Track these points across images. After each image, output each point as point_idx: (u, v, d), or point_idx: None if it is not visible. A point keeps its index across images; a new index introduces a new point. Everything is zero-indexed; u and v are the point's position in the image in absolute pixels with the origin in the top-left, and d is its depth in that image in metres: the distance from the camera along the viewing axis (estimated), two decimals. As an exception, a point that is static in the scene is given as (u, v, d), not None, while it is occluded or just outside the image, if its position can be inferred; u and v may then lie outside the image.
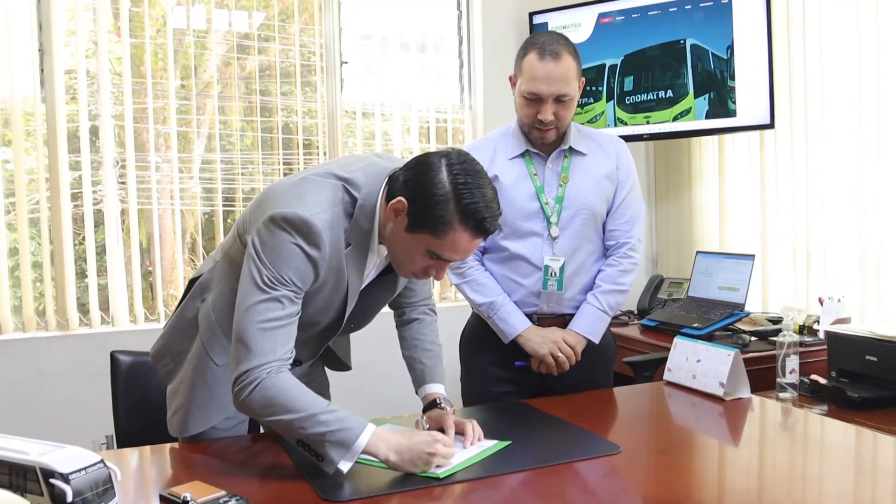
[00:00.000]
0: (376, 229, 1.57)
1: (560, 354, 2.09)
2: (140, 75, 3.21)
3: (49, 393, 2.95)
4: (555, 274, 2.12)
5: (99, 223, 3.17)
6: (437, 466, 1.49)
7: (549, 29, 3.56)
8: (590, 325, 2.15)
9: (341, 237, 1.55)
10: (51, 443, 1.23)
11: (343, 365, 1.94)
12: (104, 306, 3.15)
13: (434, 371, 1.83)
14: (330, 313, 1.65)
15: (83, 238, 3.12)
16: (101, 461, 1.21)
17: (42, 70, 3.01)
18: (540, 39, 2.03)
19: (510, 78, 2.11)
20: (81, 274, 3.13)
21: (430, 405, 1.77)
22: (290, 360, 1.50)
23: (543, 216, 2.13)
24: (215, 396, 1.66)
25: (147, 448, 1.74)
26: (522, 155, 2.15)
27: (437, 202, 1.46)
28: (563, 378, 2.13)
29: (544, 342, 2.11)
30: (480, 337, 2.21)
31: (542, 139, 2.09)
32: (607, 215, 2.19)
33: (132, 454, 1.75)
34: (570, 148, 2.14)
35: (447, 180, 1.46)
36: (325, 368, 1.97)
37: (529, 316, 2.16)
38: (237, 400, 1.47)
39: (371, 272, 1.69)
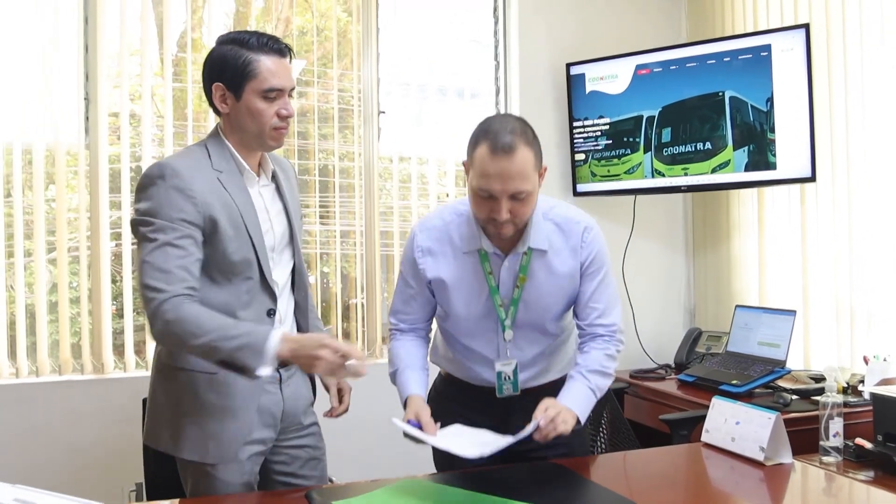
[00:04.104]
0: (229, 145, 1.83)
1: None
2: (182, 118, 3.27)
3: (82, 437, 2.96)
4: (508, 378, 1.98)
5: (137, 263, 3.20)
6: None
7: (587, 80, 3.56)
8: (579, 402, 1.90)
9: (205, 167, 1.79)
10: (77, 499, 1.23)
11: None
12: (139, 348, 3.17)
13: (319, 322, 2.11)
14: (244, 243, 1.79)
15: (122, 278, 3.16)
16: (128, 518, 1.20)
17: (87, 118, 3.08)
18: (493, 128, 1.79)
19: (464, 164, 1.89)
20: (119, 314, 3.16)
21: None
22: (192, 292, 1.70)
23: (496, 319, 1.97)
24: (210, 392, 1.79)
25: (176, 502, 1.73)
26: (478, 250, 1.94)
27: (231, 59, 1.78)
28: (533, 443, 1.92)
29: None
30: (445, 392, 2.12)
31: (499, 235, 1.87)
32: (576, 307, 2.01)
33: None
34: (530, 248, 1.93)
35: (223, 46, 1.80)
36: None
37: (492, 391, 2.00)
38: (155, 334, 1.70)
39: (269, 204, 1.90)
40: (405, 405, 1.92)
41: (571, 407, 1.86)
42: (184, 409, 1.81)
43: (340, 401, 2.05)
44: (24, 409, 2.89)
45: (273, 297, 1.86)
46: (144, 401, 2.03)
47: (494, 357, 1.99)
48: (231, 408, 1.79)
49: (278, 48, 1.81)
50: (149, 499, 2.03)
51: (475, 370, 2.04)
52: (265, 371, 1.65)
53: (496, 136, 1.76)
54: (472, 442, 1.75)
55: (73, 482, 2.76)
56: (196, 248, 1.72)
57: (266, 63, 1.78)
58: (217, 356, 1.66)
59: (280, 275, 1.92)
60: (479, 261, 1.93)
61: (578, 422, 1.86)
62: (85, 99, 3.07)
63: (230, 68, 1.78)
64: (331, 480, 2.03)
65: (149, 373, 3.06)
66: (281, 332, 1.67)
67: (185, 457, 1.80)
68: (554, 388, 1.96)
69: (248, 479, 1.83)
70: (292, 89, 1.85)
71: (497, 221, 1.80)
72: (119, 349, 3.14)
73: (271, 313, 1.86)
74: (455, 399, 2.08)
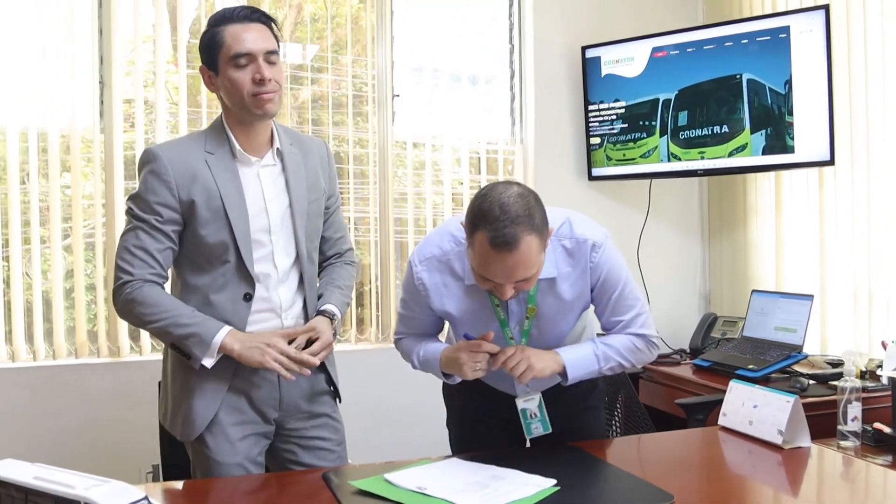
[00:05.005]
0: (226, 127, 1.84)
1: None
2: (196, 105, 3.27)
3: (99, 420, 2.98)
4: (535, 415, 1.89)
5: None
6: None
7: (602, 64, 3.53)
8: (573, 356, 1.84)
9: (196, 150, 1.81)
10: (96, 477, 1.23)
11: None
12: (155, 332, 3.18)
13: (333, 297, 1.98)
14: (221, 227, 1.79)
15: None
16: (146, 497, 1.21)
17: (102, 102, 3.08)
18: (493, 213, 1.58)
19: (462, 224, 1.70)
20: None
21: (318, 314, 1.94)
22: (158, 279, 1.79)
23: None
24: (201, 376, 1.81)
25: (195, 482, 1.74)
26: None
27: (206, 40, 1.81)
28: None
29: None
30: (466, 384, 2.04)
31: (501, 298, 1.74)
32: (600, 318, 1.92)
33: (177, 488, 1.75)
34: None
35: (203, 33, 1.84)
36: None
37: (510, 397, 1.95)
38: (117, 310, 1.81)
39: (269, 185, 1.86)
40: (442, 364, 1.87)
41: (563, 356, 1.83)
42: (172, 385, 1.88)
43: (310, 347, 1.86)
44: (41, 392, 2.92)
45: (251, 282, 1.83)
46: (160, 384, 2.04)
47: (510, 379, 1.87)
48: (200, 387, 1.81)
49: (243, 14, 1.80)
50: (165, 480, 2.05)
51: (491, 380, 1.99)
52: (208, 362, 1.75)
53: (496, 227, 1.56)
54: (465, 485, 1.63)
55: (90, 464, 2.76)
56: (168, 236, 1.79)
57: (230, 31, 1.78)
58: (168, 339, 1.78)
59: (282, 260, 1.87)
60: (486, 293, 1.80)
61: (565, 374, 1.83)
62: (100, 83, 3.08)
63: (205, 48, 1.82)
64: None
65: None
66: (230, 329, 1.76)
67: (169, 431, 1.87)
68: (572, 386, 1.90)
69: (241, 460, 1.82)
70: (270, 53, 1.79)
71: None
72: (135, 333, 3.15)
73: (248, 297, 1.83)
74: (480, 392, 2.03)
